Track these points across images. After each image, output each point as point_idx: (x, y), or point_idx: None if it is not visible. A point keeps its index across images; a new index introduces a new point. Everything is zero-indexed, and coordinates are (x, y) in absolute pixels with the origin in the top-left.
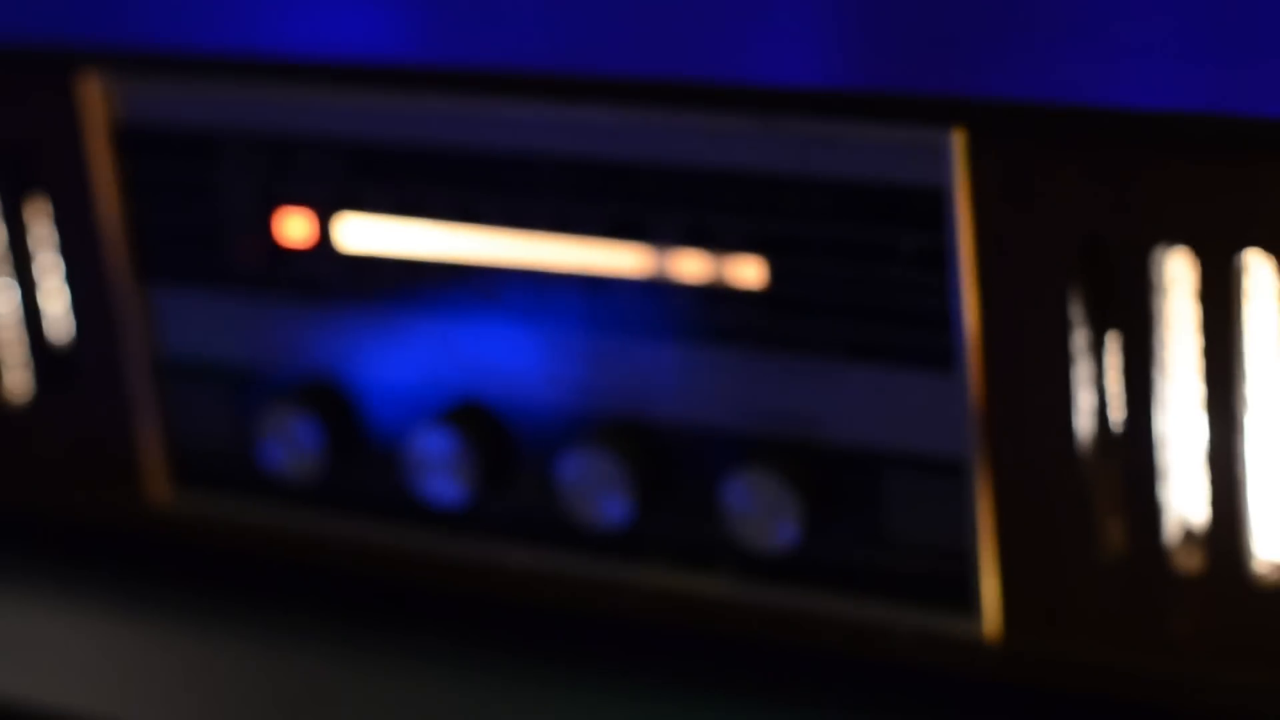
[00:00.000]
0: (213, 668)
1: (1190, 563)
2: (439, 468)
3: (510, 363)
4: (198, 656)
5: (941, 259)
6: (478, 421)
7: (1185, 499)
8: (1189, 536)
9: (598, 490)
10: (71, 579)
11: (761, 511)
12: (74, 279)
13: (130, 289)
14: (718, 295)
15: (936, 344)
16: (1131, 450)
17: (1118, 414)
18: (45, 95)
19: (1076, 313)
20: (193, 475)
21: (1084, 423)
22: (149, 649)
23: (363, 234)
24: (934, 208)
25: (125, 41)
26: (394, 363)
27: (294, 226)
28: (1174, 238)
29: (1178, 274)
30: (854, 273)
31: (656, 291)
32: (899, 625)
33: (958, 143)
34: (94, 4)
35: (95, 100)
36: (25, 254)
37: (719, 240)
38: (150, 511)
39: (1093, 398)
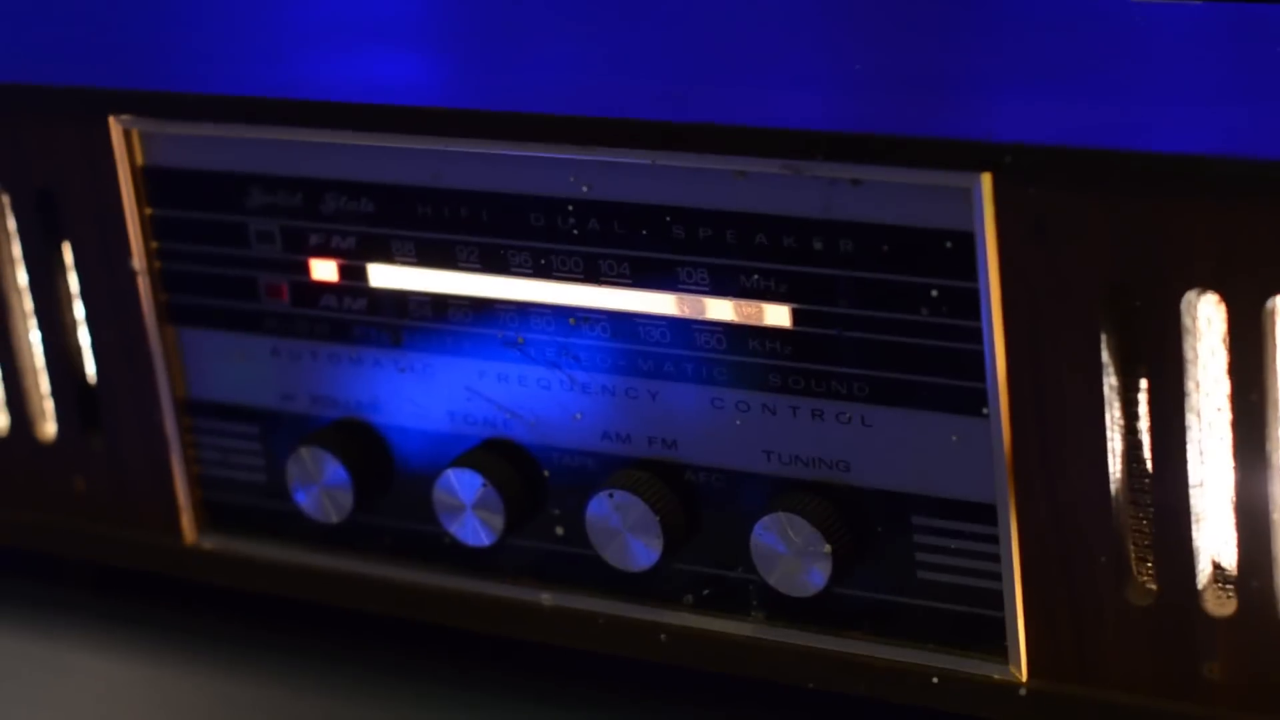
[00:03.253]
0: (239, 706)
1: (1221, 607)
2: (466, 509)
3: (539, 404)
4: (225, 695)
5: (970, 303)
6: (506, 463)
7: (1216, 542)
8: (1220, 580)
9: (627, 532)
10: (98, 616)
11: (792, 554)
12: (102, 321)
13: (159, 331)
14: (746, 338)
15: (965, 388)
16: (1162, 493)
17: (1148, 457)
18: (74, 138)
19: (1106, 356)
20: (221, 515)
21: (1114, 466)
22: (176, 687)
23: (390, 276)
24: (962, 252)
25: (153, 86)
26: (422, 404)
27: (321, 269)
28: (1203, 282)
29: (1207, 317)
30: (882, 316)
31: (686, 334)
32: (928, 668)
33: (986, 187)
34: (122, 49)
35: (123, 144)
36: (54, 295)
37: (748, 284)
38: (178, 550)
39: (1123, 441)
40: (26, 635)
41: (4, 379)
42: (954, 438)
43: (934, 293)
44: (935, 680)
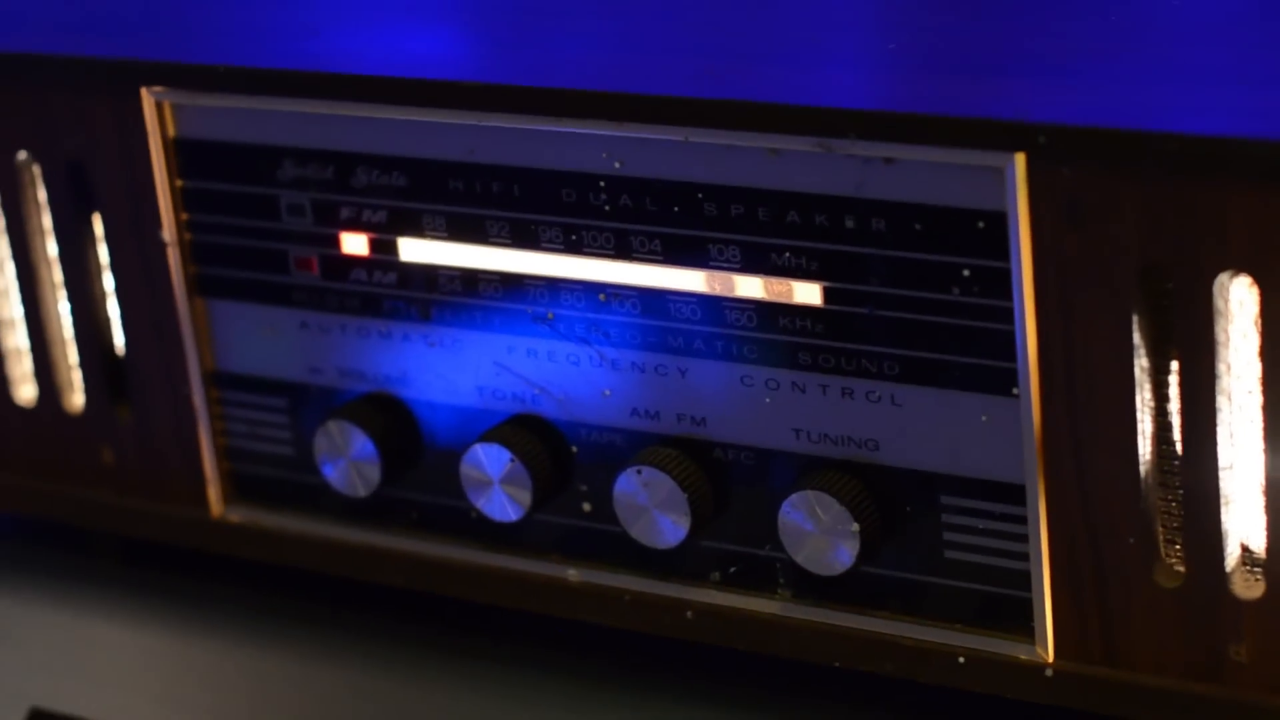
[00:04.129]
0: (266, 678)
1: (1249, 590)
2: (494, 484)
3: (568, 380)
4: (251, 667)
5: (1002, 283)
6: (534, 438)
7: (1245, 525)
8: (1248, 563)
9: (654, 509)
10: (125, 587)
11: (820, 532)
12: (132, 293)
13: (188, 303)
14: (777, 316)
15: (996, 368)
16: (1191, 476)
17: (1179, 439)
18: (105, 110)
19: (1138, 338)
20: (248, 488)
21: (1144, 448)
22: (203, 659)
23: (421, 250)
24: (995, 231)
25: (185, 58)
26: (451, 378)
27: (352, 242)
28: (1236, 264)
29: (1240, 299)
30: (914, 295)
31: (716, 311)
32: (955, 648)
33: (1019, 167)
34: (154, 20)
35: (154, 115)
36: (84, 267)
37: (779, 262)
38: (205, 523)
39: (1153, 423)
40: (54, 606)
41: (33, 350)
42: (984, 418)
43: (966, 272)
44: (961, 660)
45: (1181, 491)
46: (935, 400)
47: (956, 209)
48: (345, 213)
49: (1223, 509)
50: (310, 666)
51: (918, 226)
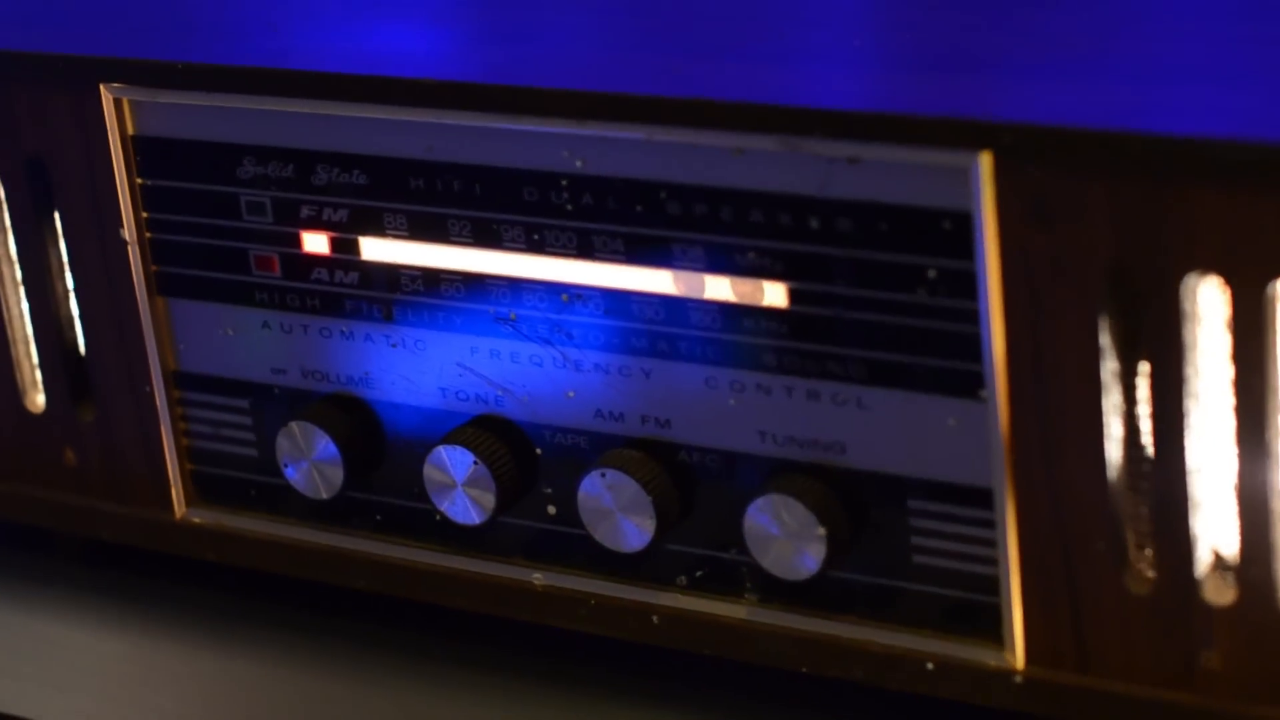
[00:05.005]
0: (230, 680)
1: (1221, 595)
2: (458, 486)
3: (531, 381)
4: (215, 668)
5: (968, 284)
6: (498, 440)
7: (1216, 530)
8: (1220, 568)
9: (619, 512)
10: (88, 589)
11: (786, 536)
12: (92, 291)
13: (149, 302)
14: (742, 317)
15: (964, 370)
16: (1162, 480)
17: (1148, 443)
18: (65, 107)
19: (1106, 340)
20: (211, 489)
21: (1114, 452)
22: (166, 661)
23: (382, 249)
24: (960, 232)
25: (144, 54)
26: (413, 379)
27: (313, 241)
28: (1205, 266)
29: (1210, 302)
30: (880, 296)
31: (680, 312)
32: (924, 654)
33: (985, 166)
34: (113, 17)
35: (114, 112)
36: (44, 265)
37: (743, 262)
38: (168, 524)
39: (1123, 426)
40: (15, 607)
41: None
42: (951, 421)
43: (932, 273)
44: (930, 666)
45: (1152, 496)
46: (902, 403)
47: (922, 209)
48: (306, 211)
49: (1193, 514)
50: (273, 669)
51: (883, 227)
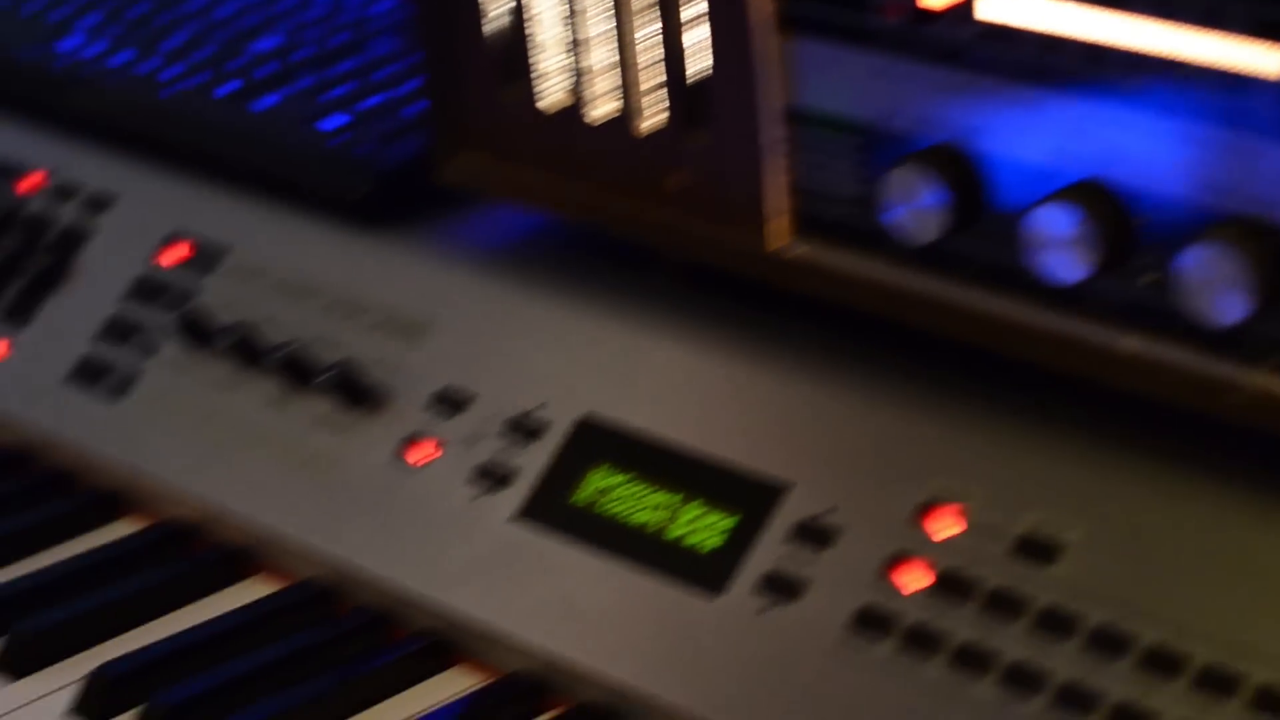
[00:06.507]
0: (809, 409)
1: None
2: (1058, 244)
3: (1141, 150)
4: (798, 397)
5: None
6: (1102, 203)
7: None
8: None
9: (1217, 287)
10: (680, 309)
11: None
12: (717, 21)
13: (772, 37)
14: None
15: None
16: None
17: None
18: None
19: None
20: (813, 224)
21: None
22: (751, 385)
23: (1004, 6)
24: None
25: None
26: (1024, 136)
27: None
28: None
29: None
30: None
31: None
32: None
33: None
34: None
35: None
36: None
37: None
38: (768, 255)
39: None
40: (608, 318)
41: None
42: None
43: None
44: None
45: None
46: None
47: None
48: None
49: None
50: (852, 408)
51: None
